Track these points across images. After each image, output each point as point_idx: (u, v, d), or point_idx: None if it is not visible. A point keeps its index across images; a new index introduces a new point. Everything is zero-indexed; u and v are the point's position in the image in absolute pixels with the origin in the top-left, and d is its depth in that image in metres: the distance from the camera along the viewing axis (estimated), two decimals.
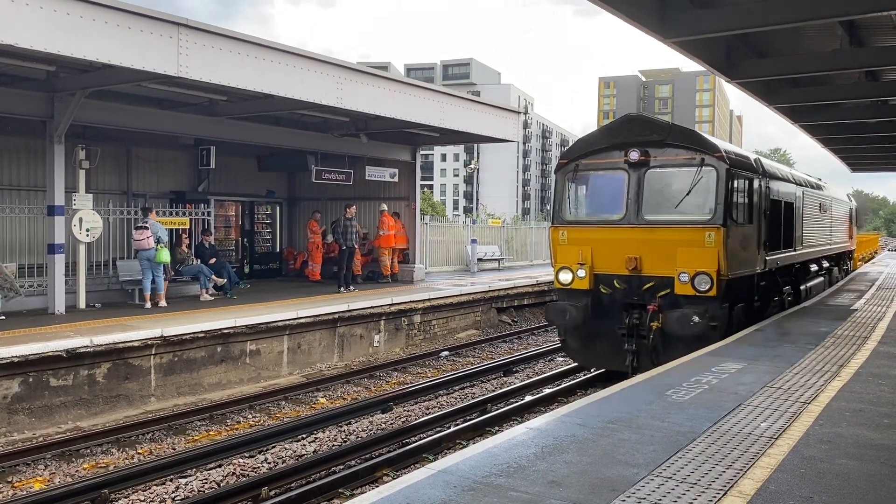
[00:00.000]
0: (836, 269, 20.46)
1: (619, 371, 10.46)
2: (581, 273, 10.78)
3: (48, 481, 7.94)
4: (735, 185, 10.25)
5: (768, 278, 12.14)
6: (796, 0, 9.56)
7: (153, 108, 14.47)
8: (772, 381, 7.10)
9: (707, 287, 9.82)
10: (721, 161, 10.02)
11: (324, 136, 17.75)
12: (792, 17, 9.65)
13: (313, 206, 20.82)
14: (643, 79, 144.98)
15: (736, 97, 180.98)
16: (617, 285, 10.59)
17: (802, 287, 15.06)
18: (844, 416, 5.91)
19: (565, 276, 10.94)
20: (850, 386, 7.00)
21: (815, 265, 16.60)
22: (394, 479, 6.89)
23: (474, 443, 8.02)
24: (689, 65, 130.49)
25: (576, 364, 12.39)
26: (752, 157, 11.80)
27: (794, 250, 13.87)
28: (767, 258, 11.73)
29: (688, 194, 10.20)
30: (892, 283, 19.81)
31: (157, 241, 13.80)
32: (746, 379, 7.20)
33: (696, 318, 9.63)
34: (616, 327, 10.53)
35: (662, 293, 10.20)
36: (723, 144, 10.63)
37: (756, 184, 11.14)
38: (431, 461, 7.40)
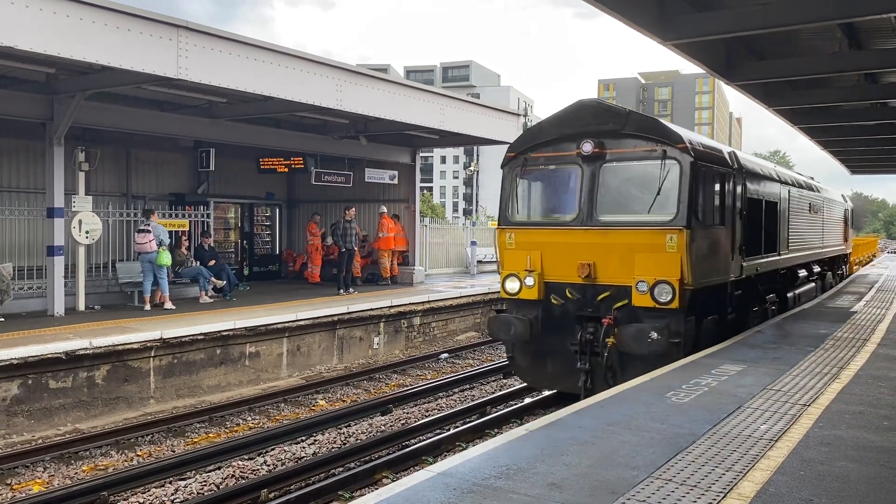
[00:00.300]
0: (829, 273, 19.42)
1: (572, 393, 9.39)
2: (529, 281, 9.61)
3: (47, 483, 7.93)
4: (702, 180, 9.13)
5: (746, 286, 11.03)
6: (795, 2, 9.55)
7: (153, 110, 14.50)
8: (771, 384, 7.10)
9: (668, 298, 8.67)
10: (685, 153, 8.82)
11: (323, 139, 17.77)
12: (791, 19, 9.63)
13: (313, 208, 20.83)
14: (642, 81, 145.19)
15: (735, 99, 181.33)
16: (569, 295, 9.43)
17: (790, 294, 14.06)
18: (844, 419, 5.90)
19: (512, 285, 9.80)
20: (849, 388, 7.00)
21: (804, 270, 15.52)
22: (393, 481, 6.88)
23: (474, 445, 8.01)
24: (688, 67, 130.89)
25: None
26: (726, 150, 10.71)
27: (779, 255, 12.84)
28: (744, 264, 10.63)
29: (650, 192, 9.11)
30: (891, 285, 19.81)
31: (160, 243, 13.81)
32: (746, 381, 7.19)
33: (655, 335, 8.47)
34: (568, 343, 9.37)
35: (619, 304, 9.05)
36: (688, 134, 9.42)
37: (730, 180, 10.09)
38: (431, 463, 7.40)
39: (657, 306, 8.75)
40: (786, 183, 13.62)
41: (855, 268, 27.93)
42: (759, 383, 7.10)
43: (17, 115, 12.42)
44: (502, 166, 10.34)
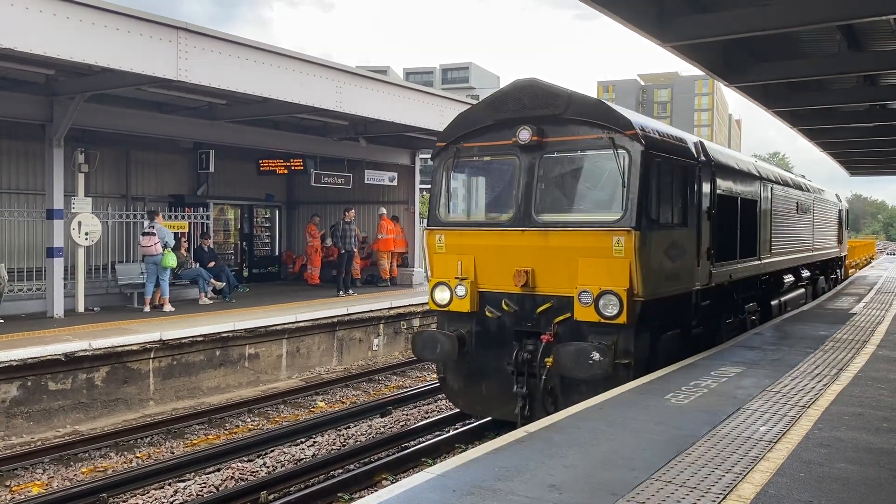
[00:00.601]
0: (821, 278, 18.18)
1: (508, 421, 8.22)
2: (461, 291, 8.39)
3: (46, 485, 7.93)
4: (658, 174, 7.91)
5: (716, 296, 9.75)
6: (795, 4, 9.57)
7: (152, 111, 14.51)
8: (771, 385, 7.10)
9: (615, 312, 7.46)
10: (635, 141, 7.58)
11: (323, 140, 17.78)
12: (790, 21, 9.63)
13: (312, 209, 20.83)
14: (642, 83, 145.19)
15: (735, 101, 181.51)
16: (506, 307, 8.22)
17: (774, 302, 12.88)
18: (844, 420, 5.91)
19: (442, 295, 8.59)
20: (849, 390, 7.00)
21: (790, 275, 14.22)
22: (393, 483, 6.88)
23: (473, 447, 8.01)
24: (687, 69, 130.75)
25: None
26: (692, 139, 9.37)
27: (759, 259, 11.57)
28: (714, 271, 9.36)
29: (595, 187, 8.12)
30: (890, 286, 19.82)
31: (165, 245, 13.81)
32: (745, 383, 7.20)
33: (597, 356, 7.30)
34: (505, 362, 8.20)
35: (560, 318, 7.85)
36: (640, 119, 8.23)
37: (695, 175, 8.82)
38: (430, 465, 7.40)
39: (602, 321, 7.57)
40: (768, 180, 12.41)
41: (851, 271, 27.31)
42: (759, 385, 7.10)
43: (16, 117, 12.43)
44: (432, 158, 9.10)
